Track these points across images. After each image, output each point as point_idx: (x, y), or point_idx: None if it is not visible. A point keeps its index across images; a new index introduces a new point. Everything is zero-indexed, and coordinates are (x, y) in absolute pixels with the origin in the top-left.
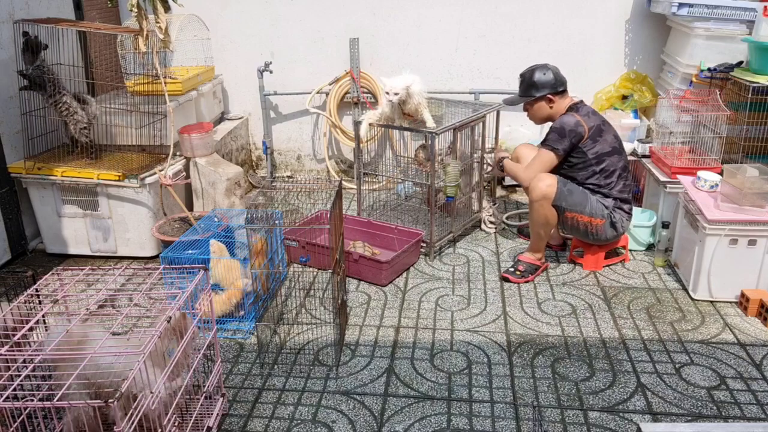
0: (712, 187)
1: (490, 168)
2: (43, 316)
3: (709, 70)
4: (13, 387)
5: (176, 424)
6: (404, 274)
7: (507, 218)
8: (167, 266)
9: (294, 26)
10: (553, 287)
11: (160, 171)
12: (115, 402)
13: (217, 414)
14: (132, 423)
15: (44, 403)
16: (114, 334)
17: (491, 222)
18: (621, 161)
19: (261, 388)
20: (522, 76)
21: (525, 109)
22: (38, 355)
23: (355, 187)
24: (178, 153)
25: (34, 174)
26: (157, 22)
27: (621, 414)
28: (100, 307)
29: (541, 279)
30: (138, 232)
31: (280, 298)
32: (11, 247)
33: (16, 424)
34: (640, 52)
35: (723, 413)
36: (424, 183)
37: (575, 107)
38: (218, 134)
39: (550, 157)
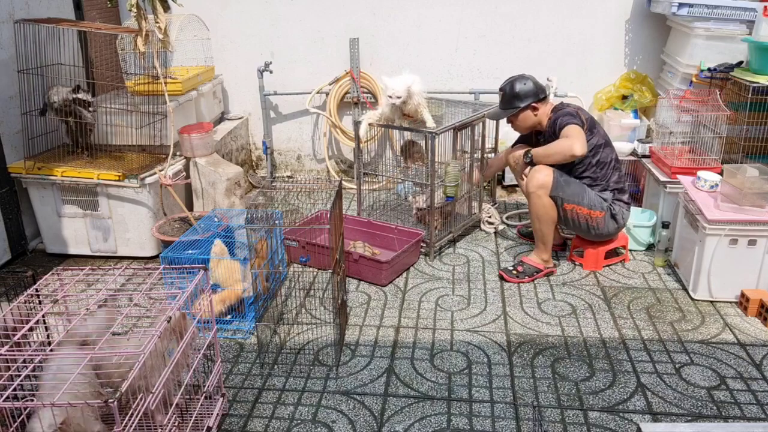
0: (712, 187)
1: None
2: (43, 316)
3: (709, 70)
4: (13, 387)
5: (176, 424)
6: (404, 274)
7: (507, 218)
8: (167, 266)
9: (294, 26)
10: (553, 287)
11: (160, 171)
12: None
13: (217, 414)
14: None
15: (44, 403)
16: (114, 334)
17: (489, 222)
18: (613, 152)
19: (261, 388)
20: (502, 89)
21: (509, 122)
22: (38, 355)
23: (355, 187)
24: (178, 153)
25: (34, 174)
26: (157, 22)
27: (621, 414)
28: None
29: (540, 279)
30: (138, 232)
31: (280, 298)
32: (11, 247)
33: (16, 423)
34: (640, 52)
35: (723, 413)
36: (424, 183)
37: (560, 105)
38: (218, 134)
39: (578, 129)
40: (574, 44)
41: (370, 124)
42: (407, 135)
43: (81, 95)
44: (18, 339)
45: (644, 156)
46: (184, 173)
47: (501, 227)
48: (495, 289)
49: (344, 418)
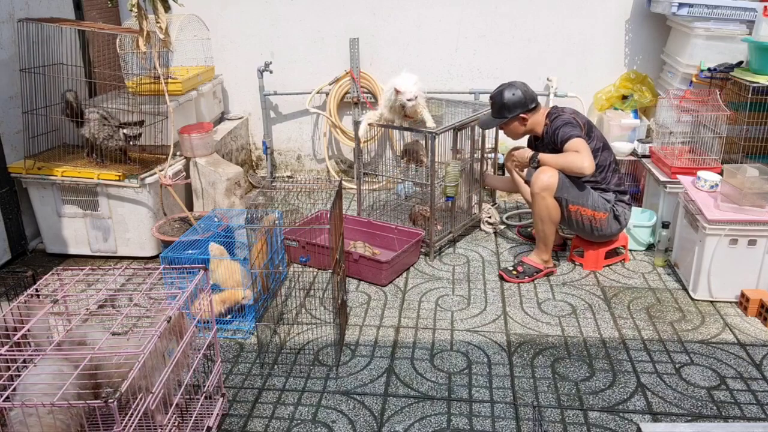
0: (712, 187)
1: (492, 170)
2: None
3: (709, 70)
4: (13, 387)
5: (176, 424)
6: (404, 274)
7: (507, 218)
8: (167, 266)
9: (294, 26)
10: (553, 287)
11: (160, 171)
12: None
13: (217, 414)
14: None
15: (44, 403)
16: (114, 334)
17: (489, 222)
18: (611, 155)
19: (261, 388)
20: (492, 98)
21: (501, 128)
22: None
23: (355, 187)
24: (178, 153)
25: (34, 174)
26: (158, 22)
27: (621, 414)
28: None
29: (540, 279)
30: (138, 232)
31: (280, 298)
32: (11, 247)
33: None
34: (640, 52)
35: (723, 413)
36: (424, 183)
37: (555, 111)
38: (218, 134)
39: (583, 142)
40: (574, 44)
41: (369, 125)
42: (407, 135)
43: (127, 131)
44: (18, 339)
45: (644, 156)
46: (184, 173)
47: (501, 227)
48: (495, 289)
49: (344, 418)
